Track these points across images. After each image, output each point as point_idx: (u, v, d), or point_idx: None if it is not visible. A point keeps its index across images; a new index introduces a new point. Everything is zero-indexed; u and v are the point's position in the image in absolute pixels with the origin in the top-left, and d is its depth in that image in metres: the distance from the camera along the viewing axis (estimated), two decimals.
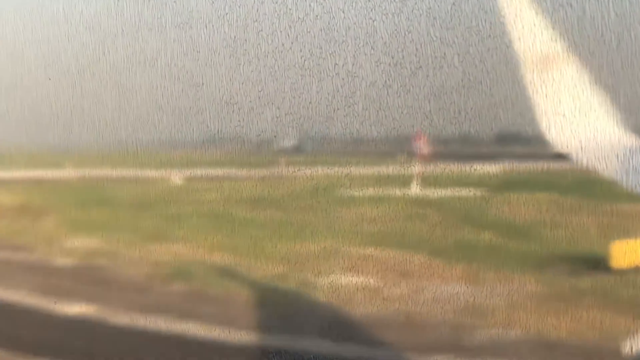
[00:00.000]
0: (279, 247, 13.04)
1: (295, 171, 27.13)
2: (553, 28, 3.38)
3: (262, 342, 8.38)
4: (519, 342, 7.97)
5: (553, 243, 13.13)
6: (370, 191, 21.96)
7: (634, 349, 3.03)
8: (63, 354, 7.88)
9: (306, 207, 18.65)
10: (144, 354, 8.01)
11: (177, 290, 10.39)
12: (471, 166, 27.33)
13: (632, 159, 3.21)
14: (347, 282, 10.70)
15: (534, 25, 3.38)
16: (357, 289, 10.30)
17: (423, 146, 22.42)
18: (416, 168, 23.21)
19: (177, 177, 28.77)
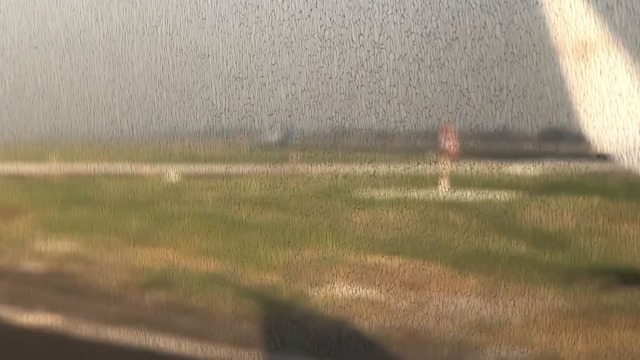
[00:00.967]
0: (274, 254, 13.23)
1: (308, 168, 27.30)
2: (594, 11, 3.39)
3: (242, 358, 8.62)
4: None
5: (587, 254, 13.20)
6: (391, 192, 22.12)
7: None
8: None
9: (314, 209, 18.83)
10: None
11: (154, 300, 10.65)
12: (509, 165, 27.42)
13: None
14: (345, 293, 10.89)
15: (571, 7, 3.39)
16: (356, 302, 10.50)
17: (451, 142, 22.52)
18: (444, 166, 23.33)
19: (173, 174, 29.08)
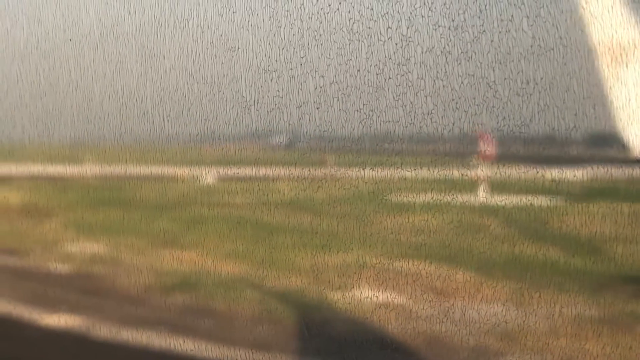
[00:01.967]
0: (301, 258, 13.34)
1: (343, 171, 27.36)
2: (634, 14, 3.33)
3: None
4: None
5: (623, 262, 13.12)
6: (426, 197, 22.12)
7: None
8: None
9: (345, 214, 18.92)
10: None
11: (176, 303, 10.82)
12: (549, 170, 27.23)
13: None
14: (370, 298, 10.96)
15: (611, 9, 3.33)
16: (380, 307, 10.57)
17: (489, 145, 22.47)
18: (481, 171, 23.28)
19: (209, 176, 29.30)
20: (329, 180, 26.36)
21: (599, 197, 20.66)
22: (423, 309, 10.57)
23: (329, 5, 9.90)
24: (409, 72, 9.70)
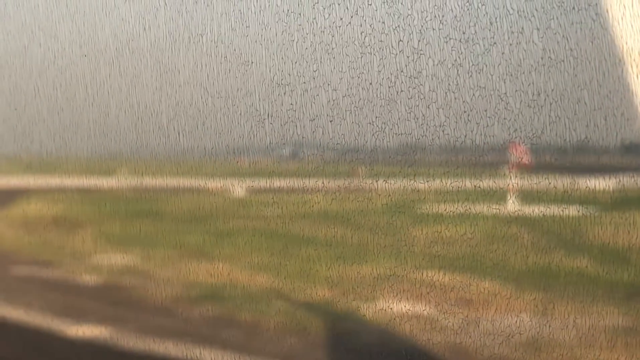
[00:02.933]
0: (330, 270, 13.35)
1: (373, 183, 27.26)
2: None
3: None
4: None
5: None
6: (457, 208, 22.04)
7: None
8: None
9: (376, 225, 18.89)
10: None
11: (205, 314, 10.91)
12: (583, 180, 26.97)
13: None
14: (397, 310, 10.97)
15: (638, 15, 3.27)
16: (407, 318, 10.57)
17: (520, 155, 22.34)
18: (512, 181, 23.14)
19: (240, 189, 29.40)
20: (359, 192, 26.33)
21: (630, 206, 20.48)
22: (452, 320, 10.57)
23: (341, 19, 9.98)
24: (421, 84, 9.75)
